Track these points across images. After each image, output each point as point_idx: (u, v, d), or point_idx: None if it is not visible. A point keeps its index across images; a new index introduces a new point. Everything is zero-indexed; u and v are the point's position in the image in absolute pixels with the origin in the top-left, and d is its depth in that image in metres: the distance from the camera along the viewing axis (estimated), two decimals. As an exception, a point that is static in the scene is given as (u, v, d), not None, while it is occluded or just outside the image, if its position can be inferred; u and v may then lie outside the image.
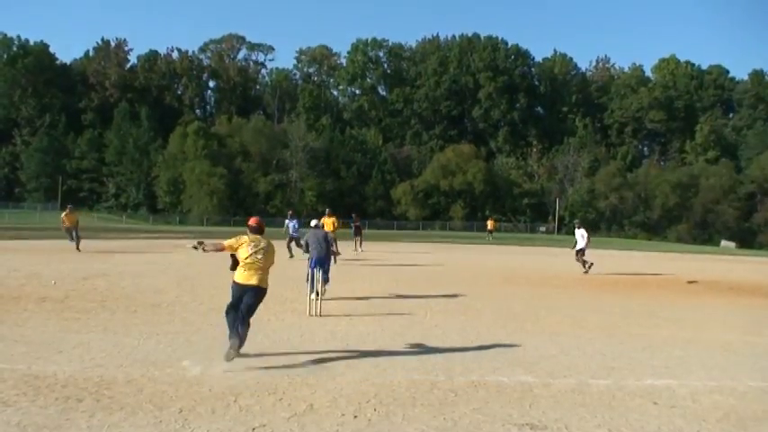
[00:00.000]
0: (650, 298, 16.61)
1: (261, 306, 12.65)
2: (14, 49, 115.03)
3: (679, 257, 40.25)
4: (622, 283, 20.65)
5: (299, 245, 22.70)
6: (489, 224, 58.79)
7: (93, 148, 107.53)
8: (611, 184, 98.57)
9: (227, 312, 8.66)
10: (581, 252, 24.38)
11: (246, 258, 8.83)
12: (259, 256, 8.90)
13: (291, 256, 24.65)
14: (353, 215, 35.27)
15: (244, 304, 8.68)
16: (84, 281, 16.06)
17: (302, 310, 11.98)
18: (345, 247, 28.98)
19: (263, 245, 9.05)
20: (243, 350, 8.54)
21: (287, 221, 27.15)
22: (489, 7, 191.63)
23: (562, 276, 22.30)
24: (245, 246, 8.97)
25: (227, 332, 8.37)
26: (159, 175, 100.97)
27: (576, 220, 30.22)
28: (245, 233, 9.28)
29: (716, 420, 6.40)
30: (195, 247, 9.56)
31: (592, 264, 23.94)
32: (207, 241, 9.62)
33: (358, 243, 31.64)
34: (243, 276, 8.79)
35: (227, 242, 9.06)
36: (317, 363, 8.29)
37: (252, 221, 9.65)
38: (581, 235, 24.56)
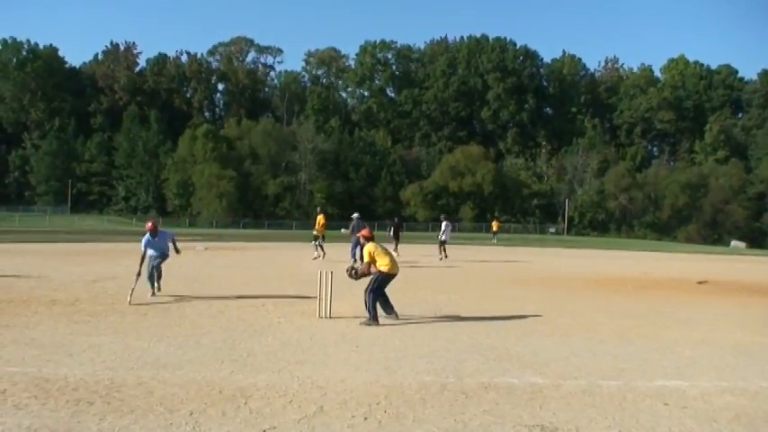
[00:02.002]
0: (660, 299, 16.55)
1: (271, 308, 12.77)
2: (24, 52, 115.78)
3: (689, 258, 40.11)
4: (632, 283, 20.57)
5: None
6: (494, 225, 57.59)
7: (103, 151, 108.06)
8: (621, 184, 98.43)
9: (378, 298, 11.65)
10: (443, 243, 29.18)
11: (386, 257, 11.81)
12: (389, 250, 12.33)
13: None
14: (395, 218, 35.23)
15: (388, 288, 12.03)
16: (94, 283, 16.12)
17: (312, 311, 11.99)
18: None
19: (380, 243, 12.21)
20: (253, 351, 8.85)
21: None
22: (497, 8, 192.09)
23: (571, 277, 22.25)
24: (377, 251, 11.82)
25: (382, 312, 11.72)
26: (169, 178, 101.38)
27: (443, 214, 34.04)
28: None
29: (727, 421, 6.38)
30: (351, 274, 12.29)
31: (446, 257, 28.54)
32: (359, 268, 12.29)
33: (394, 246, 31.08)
34: (391, 267, 11.77)
35: (367, 259, 11.80)
36: (326, 365, 8.30)
37: (368, 233, 12.50)
38: (445, 226, 29.71)
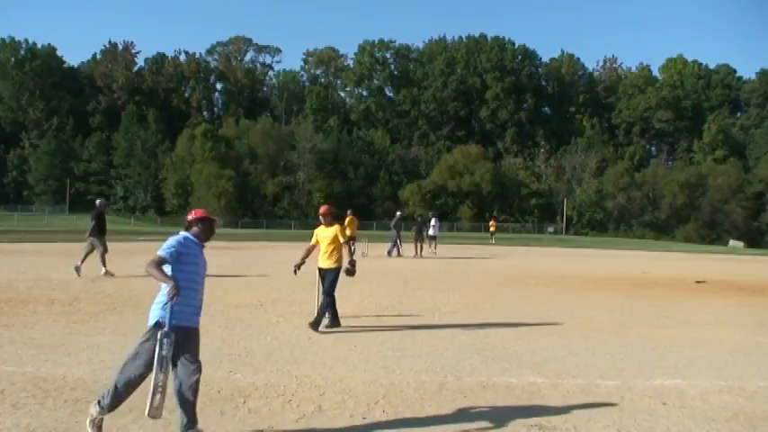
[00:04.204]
0: (659, 298, 16.56)
1: (269, 308, 12.75)
2: (22, 52, 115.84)
3: (687, 257, 40.14)
4: (630, 283, 20.59)
5: None
6: (491, 225, 57.52)
7: (101, 150, 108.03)
8: (619, 183, 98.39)
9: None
10: (433, 239, 32.35)
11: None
12: None
13: None
14: (419, 219, 35.51)
15: None
16: (93, 283, 16.11)
17: (310, 311, 11.97)
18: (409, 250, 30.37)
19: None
20: (251, 351, 8.90)
21: None
22: (496, 8, 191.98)
23: (569, 277, 22.26)
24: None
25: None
26: (167, 178, 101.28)
27: (431, 212, 38.88)
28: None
29: (725, 420, 6.38)
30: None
31: (435, 252, 31.56)
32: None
33: (419, 246, 30.81)
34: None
35: (343, 240, 10.70)
36: (325, 364, 8.30)
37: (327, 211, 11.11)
38: (434, 224, 32.56)
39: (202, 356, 8.49)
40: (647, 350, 9.76)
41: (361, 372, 7.96)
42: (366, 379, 7.58)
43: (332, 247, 10.59)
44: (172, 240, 5.56)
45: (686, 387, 7.63)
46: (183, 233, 5.75)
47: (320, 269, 10.77)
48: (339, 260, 10.68)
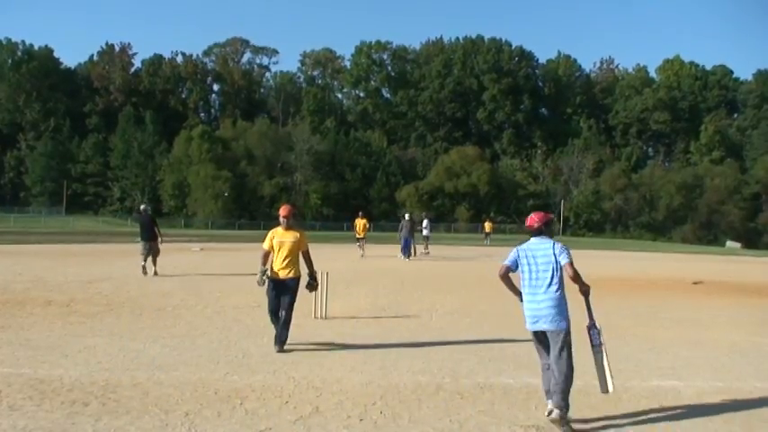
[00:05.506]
0: (656, 299, 16.57)
1: (266, 309, 12.71)
2: (19, 53, 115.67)
3: (684, 258, 40.16)
4: (627, 283, 20.60)
5: None
6: (486, 226, 56.87)
7: (98, 152, 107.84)
8: (616, 185, 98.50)
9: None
10: (426, 239, 33.05)
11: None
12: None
13: None
14: (425, 213, 36.03)
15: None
16: (90, 285, 16.08)
17: (308, 311, 11.97)
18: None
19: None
20: (248, 352, 8.89)
21: None
22: (493, 9, 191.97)
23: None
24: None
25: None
26: (164, 179, 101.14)
27: (425, 213, 40.50)
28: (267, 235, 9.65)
29: (723, 421, 6.38)
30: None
31: (428, 252, 31.87)
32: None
33: (414, 247, 30.21)
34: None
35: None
36: (322, 365, 8.29)
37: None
38: (426, 222, 33.69)
39: (199, 357, 8.52)
40: (644, 351, 9.76)
41: (359, 373, 7.95)
42: (363, 380, 7.58)
43: (293, 255, 9.25)
44: (567, 248, 6.81)
45: (683, 388, 7.63)
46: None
47: (276, 280, 9.25)
48: (299, 270, 9.36)
